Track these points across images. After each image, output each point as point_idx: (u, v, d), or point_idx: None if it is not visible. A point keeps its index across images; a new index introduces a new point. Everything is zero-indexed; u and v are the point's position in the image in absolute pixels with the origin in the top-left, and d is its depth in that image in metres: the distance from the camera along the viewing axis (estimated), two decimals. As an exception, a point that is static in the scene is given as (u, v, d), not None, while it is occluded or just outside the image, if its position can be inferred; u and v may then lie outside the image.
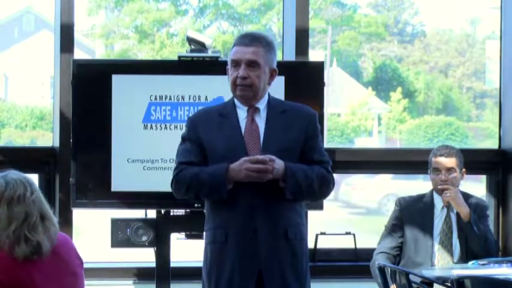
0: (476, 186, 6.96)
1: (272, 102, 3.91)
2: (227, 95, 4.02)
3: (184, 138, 3.92)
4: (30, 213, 3.30)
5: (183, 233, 5.11)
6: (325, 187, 3.87)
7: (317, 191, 3.83)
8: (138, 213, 5.14)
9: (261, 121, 3.86)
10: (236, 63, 3.83)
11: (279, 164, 3.72)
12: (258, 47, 3.82)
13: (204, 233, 3.93)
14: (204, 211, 3.94)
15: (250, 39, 3.84)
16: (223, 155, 3.76)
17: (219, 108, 3.96)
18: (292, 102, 4.11)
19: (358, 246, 5.81)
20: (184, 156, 3.86)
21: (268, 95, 3.93)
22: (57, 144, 5.56)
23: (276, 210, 3.78)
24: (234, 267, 3.77)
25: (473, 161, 5.66)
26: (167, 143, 4.90)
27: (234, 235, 3.77)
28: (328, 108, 18.75)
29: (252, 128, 3.85)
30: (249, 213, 3.75)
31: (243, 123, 3.85)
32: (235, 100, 3.89)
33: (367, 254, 5.27)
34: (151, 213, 5.10)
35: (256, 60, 3.81)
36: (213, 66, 5.05)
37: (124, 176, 5.01)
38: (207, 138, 3.84)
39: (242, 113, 3.87)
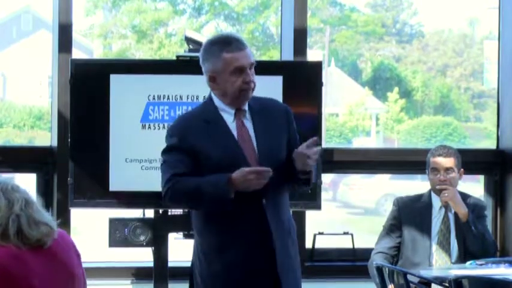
0: (474, 186, 6.97)
1: (249, 101, 3.79)
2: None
3: (172, 148, 3.76)
4: (29, 200, 3.23)
5: (181, 233, 5.10)
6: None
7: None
8: (136, 213, 5.13)
9: (248, 123, 3.76)
10: (241, 70, 3.67)
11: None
12: (248, 47, 3.74)
13: (200, 242, 3.88)
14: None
15: (241, 42, 3.72)
16: (219, 163, 3.64)
17: (200, 113, 3.79)
18: (262, 97, 3.92)
19: (356, 246, 5.81)
20: (177, 167, 3.70)
21: None
22: (55, 143, 5.55)
23: (280, 204, 3.75)
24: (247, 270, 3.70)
25: (471, 161, 5.66)
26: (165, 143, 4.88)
27: (243, 237, 3.69)
28: (326, 108, 18.76)
29: (243, 133, 3.74)
30: (259, 210, 3.67)
31: (232, 127, 3.74)
32: (218, 103, 3.75)
33: (365, 254, 5.26)
34: (149, 213, 5.09)
35: (254, 61, 3.74)
36: (211, 66, 5.03)
37: (122, 176, 5.00)
38: (200, 147, 3.68)
39: (228, 116, 3.74)
